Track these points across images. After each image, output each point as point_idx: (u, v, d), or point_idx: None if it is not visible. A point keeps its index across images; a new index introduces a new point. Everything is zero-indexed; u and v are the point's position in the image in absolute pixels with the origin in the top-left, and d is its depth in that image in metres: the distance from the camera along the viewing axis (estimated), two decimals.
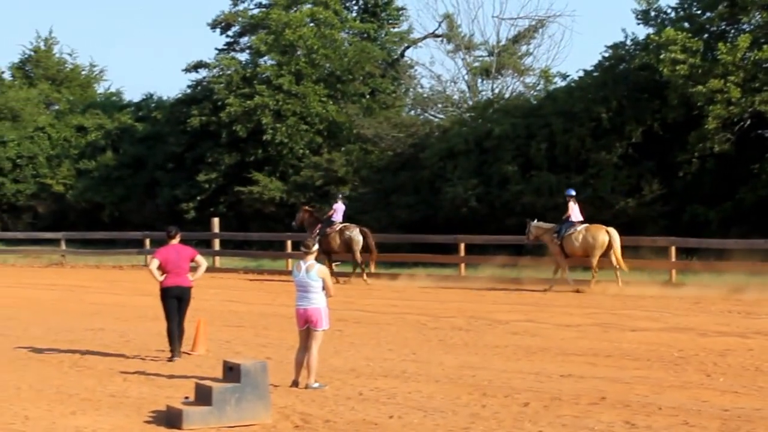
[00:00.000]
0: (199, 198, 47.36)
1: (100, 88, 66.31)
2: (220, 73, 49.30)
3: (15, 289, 32.09)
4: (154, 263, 17.60)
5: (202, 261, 18.08)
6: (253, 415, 12.47)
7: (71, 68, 65.31)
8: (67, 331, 21.37)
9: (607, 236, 28.79)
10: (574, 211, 29.67)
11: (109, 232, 46.20)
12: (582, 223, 29.57)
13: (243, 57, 51.54)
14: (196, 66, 51.98)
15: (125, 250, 42.79)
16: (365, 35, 50.08)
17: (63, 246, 44.24)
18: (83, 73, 65.88)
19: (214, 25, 52.31)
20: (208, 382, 12.83)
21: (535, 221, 30.81)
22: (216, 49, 53.10)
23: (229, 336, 20.13)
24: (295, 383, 14.74)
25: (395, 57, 51.27)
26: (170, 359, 17.43)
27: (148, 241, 40.49)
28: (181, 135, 49.45)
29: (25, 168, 55.36)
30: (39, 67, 64.13)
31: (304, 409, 13.25)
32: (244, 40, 52.37)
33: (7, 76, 65.74)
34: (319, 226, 33.74)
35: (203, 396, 12.50)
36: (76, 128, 56.42)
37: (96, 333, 21.02)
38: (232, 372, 12.65)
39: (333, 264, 33.26)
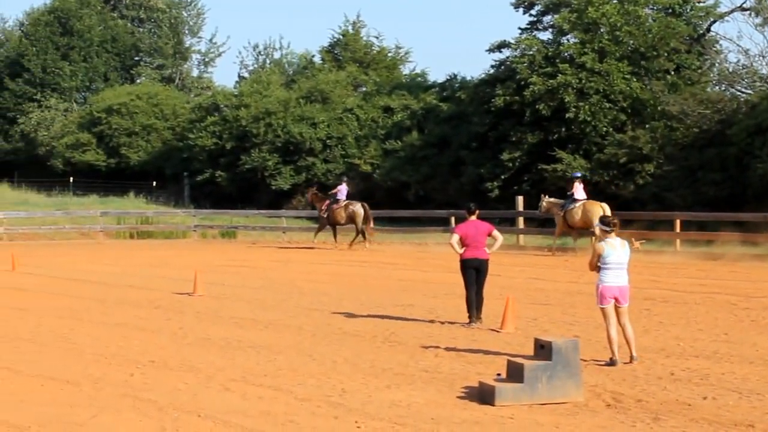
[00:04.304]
0: (502, 177, 47.65)
1: (405, 70, 67.72)
2: (523, 52, 49.37)
3: (327, 266, 33.11)
4: (455, 237, 18.96)
5: (499, 235, 19.41)
6: (564, 393, 12.55)
7: (378, 51, 66.88)
8: (378, 306, 21.92)
9: (601, 210, 32.81)
10: (578, 190, 35.19)
11: (415, 211, 47.14)
12: (585, 200, 34.68)
13: (545, 36, 51.61)
14: (500, 46, 52.28)
15: (430, 228, 43.57)
16: (670, 10, 49.05)
17: (371, 224, 45.26)
18: (389, 55, 67.35)
19: (517, 5, 52.52)
20: (519, 360, 12.95)
21: (547, 197, 37.24)
22: (519, 28, 53.34)
23: (536, 314, 20.26)
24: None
25: (701, 32, 50.06)
26: (468, 324, 18.80)
27: (453, 219, 40.89)
28: (485, 114, 49.86)
29: (335, 148, 57.11)
30: (347, 51, 65.97)
31: (614, 388, 13.25)
32: (547, 18, 52.34)
33: (317, 59, 68.04)
34: (327, 202, 40.85)
35: (515, 373, 12.66)
36: (383, 109, 57.77)
37: (405, 309, 21.46)
38: (543, 350, 12.76)
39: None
